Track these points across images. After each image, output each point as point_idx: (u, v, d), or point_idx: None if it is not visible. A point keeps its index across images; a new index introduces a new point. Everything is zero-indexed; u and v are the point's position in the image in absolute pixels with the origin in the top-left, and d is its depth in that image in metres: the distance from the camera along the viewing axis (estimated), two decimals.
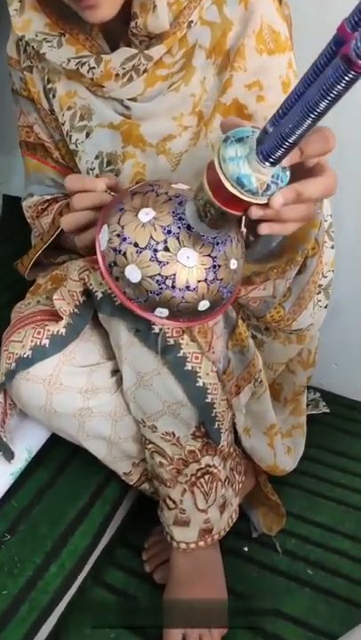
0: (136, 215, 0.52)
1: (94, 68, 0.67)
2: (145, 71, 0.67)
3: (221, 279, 0.53)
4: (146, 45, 0.66)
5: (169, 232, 0.51)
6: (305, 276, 0.70)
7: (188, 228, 0.51)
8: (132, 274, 0.52)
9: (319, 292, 0.74)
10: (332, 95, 0.35)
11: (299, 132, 0.39)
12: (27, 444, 0.78)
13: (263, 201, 0.46)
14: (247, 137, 0.44)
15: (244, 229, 0.53)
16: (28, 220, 0.85)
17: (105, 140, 0.72)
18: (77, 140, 0.74)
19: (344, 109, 0.41)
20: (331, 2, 0.90)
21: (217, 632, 0.77)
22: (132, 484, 0.80)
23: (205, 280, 0.52)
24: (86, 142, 0.73)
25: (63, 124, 0.75)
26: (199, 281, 0.52)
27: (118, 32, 0.67)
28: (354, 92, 0.37)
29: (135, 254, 0.51)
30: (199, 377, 0.67)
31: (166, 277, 0.51)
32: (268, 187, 0.44)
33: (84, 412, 0.71)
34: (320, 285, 0.74)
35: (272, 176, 0.44)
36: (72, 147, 0.75)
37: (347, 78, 0.34)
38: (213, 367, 0.68)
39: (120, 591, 0.84)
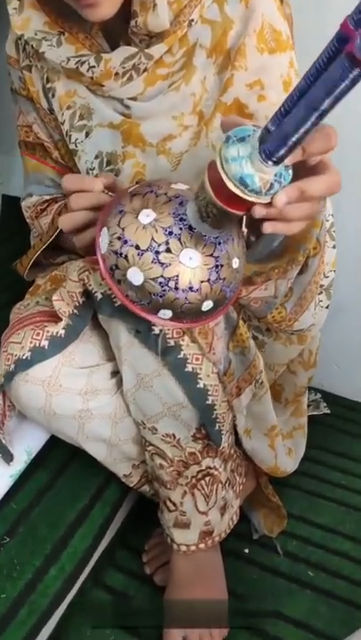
0: (136, 217, 0.51)
1: (94, 66, 0.66)
2: (145, 70, 0.67)
3: (224, 278, 0.53)
4: (146, 44, 0.66)
5: (170, 233, 0.50)
6: (307, 276, 0.69)
7: (190, 228, 0.50)
8: (135, 276, 0.51)
9: (321, 293, 0.74)
10: (336, 93, 0.35)
11: (302, 131, 0.39)
12: (26, 446, 0.78)
13: (267, 200, 0.45)
14: (248, 136, 0.43)
15: (245, 229, 0.53)
16: (28, 221, 0.84)
17: (105, 140, 0.72)
18: (77, 139, 0.74)
19: (344, 109, 0.40)
20: (332, 1, 0.90)
21: (217, 633, 0.77)
22: (132, 485, 0.80)
23: (208, 280, 0.52)
24: (86, 142, 0.73)
25: (63, 124, 0.74)
26: (202, 281, 0.51)
27: (118, 31, 0.67)
28: (354, 92, 0.36)
29: (137, 256, 0.51)
30: (200, 378, 0.66)
31: (169, 279, 0.51)
32: (271, 186, 0.44)
33: (83, 413, 0.71)
34: (321, 285, 0.73)
35: (275, 175, 0.44)
36: (72, 146, 0.75)
37: (351, 76, 0.34)
38: (214, 368, 0.67)
39: (120, 593, 0.83)
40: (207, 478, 0.73)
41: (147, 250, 0.50)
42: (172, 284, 0.51)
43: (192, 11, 0.66)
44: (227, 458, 0.75)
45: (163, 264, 0.50)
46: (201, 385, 0.66)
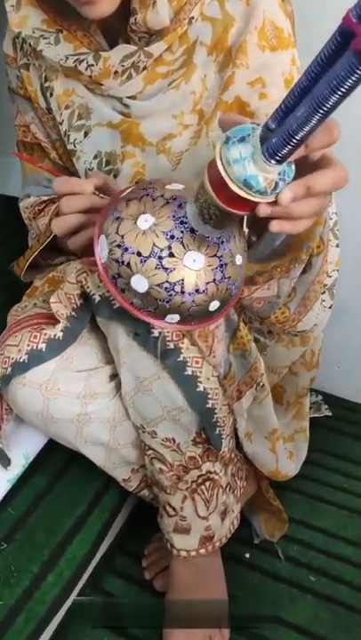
0: (135, 223, 0.50)
1: (93, 65, 0.66)
2: (144, 68, 0.67)
3: (229, 277, 0.52)
4: (145, 42, 0.66)
5: (172, 237, 0.49)
6: (310, 276, 0.69)
7: (192, 231, 0.49)
8: (139, 284, 0.51)
9: (324, 292, 0.73)
10: (342, 90, 0.34)
11: (307, 129, 0.38)
12: (24, 450, 0.77)
13: (271, 199, 0.44)
14: (248, 135, 0.42)
15: (246, 229, 0.52)
16: (26, 222, 0.84)
17: (104, 140, 0.72)
18: (76, 139, 0.73)
19: (344, 109, 0.39)
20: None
21: (218, 638, 0.76)
22: (131, 490, 0.79)
23: (214, 280, 0.51)
24: (85, 142, 0.73)
25: (61, 124, 0.74)
26: (208, 282, 0.51)
27: (117, 28, 0.66)
28: (355, 92, 0.35)
29: (139, 264, 0.50)
30: (200, 382, 0.65)
31: (175, 283, 0.50)
32: (276, 185, 0.43)
33: (81, 417, 0.70)
34: (325, 285, 0.72)
35: (279, 173, 0.43)
36: (70, 146, 0.74)
37: (358, 72, 0.33)
38: (214, 372, 0.66)
39: None
40: (207, 483, 0.72)
41: (149, 256, 0.49)
42: (177, 288, 0.50)
43: (192, 8, 0.65)
44: (227, 462, 0.74)
45: (167, 269, 0.49)
46: (201, 388, 0.66)
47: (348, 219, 0.85)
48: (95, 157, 0.73)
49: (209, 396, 0.66)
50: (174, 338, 0.64)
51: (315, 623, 0.79)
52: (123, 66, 0.65)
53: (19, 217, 0.85)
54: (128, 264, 0.50)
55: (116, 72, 0.66)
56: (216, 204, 0.45)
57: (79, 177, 0.75)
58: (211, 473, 0.72)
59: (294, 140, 0.39)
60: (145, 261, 0.50)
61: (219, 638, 0.76)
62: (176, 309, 0.52)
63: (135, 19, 0.63)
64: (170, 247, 0.49)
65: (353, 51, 0.32)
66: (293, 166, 0.44)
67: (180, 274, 0.50)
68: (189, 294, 0.50)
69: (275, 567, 0.87)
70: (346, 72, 0.33)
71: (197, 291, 0.51)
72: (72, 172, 0.78)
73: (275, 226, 0.47)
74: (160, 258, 0.49)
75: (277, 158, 0.41)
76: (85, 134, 0.72)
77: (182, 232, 0.49)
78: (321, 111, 0.36)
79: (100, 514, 0.81)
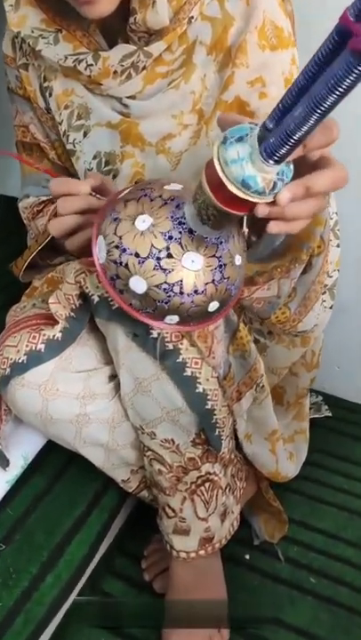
0: (133, 223, 0.50)
1: (92, 65, 0.66)
2: (144, 68, 0.66)
3: (228, 277, 0.52)
4: (145, 42, 0.65)
5: (170, 238, 0.49)
6: (310, 276, 0.68)
7: (190, 231, 0.49)
8: (137, 285, 0.50)
9: (324, 292, 0.73)
10: (340, 90, 0.34)
11: (305, 129, 0.38)
12: (22, 451, 0.77)
13: (270, 199, 0.44)
14: (246, 135, 0.42)
15: (246, 229, 0.51)
16: (25, 222, 0.83)
17: (103, 140, 0.71)
18: (75, 139, 0.73)
19: (344, 109, 0.39)
20: None
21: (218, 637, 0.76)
22: (130, 491, 0.79)
23: (213, 281, 0.51)
24: (84, 142, 0.73)
25: (60, 124, 0.74)
26: (207, 283, 0.51)
27: (116, 28, 0.66)
28: (354, 91, 0.35)
29: (138, 265, 0.50)
30: (199, 383, 0.65)
31: (173, 284, 0.50)
32: (274, 185, 0.43)
33: (81, 418, 0.69)
34: (325, 285, 0.72)
35: (277, 173, 0.43)
36: (69, 147, 0.74)
37: (356, 72, 0.32)
38: (214, 373, 0.66)
39: None
40: (207, 484, 0.72)
41: (147, 257, 0.49)
42: (176, 289, 0.50)
43: (192, 8, 0.65)
44: (227, 463, 0.74)
45: (165, 270, 0.49)
46: (200, 389, 0.65)
47: (348, 219, 0.85)
48: (94, 157, 0.72)
49: (208, 397, 0.66)
50: (173, 339, 0.63)
51: (315, 625, 0.79)
52: (122, 66, 0.65)
53: (18, 217, 0.85)
54: (126, 265, 0.50)
55: (115, 72, 0.65)
56: (214, 205, 0.45)
57: (78, 177, 0.75)
58: (210, 474, 0.72)
59: (292, 140, 0.39)
60: (143, 262, 0.49)
61: (218, 639, 0.76)
62: (175, 310, 0.51)
63: (135, 18, 0.63)
64: (168, 248, 0.49)
65: (350, 50, 0.32)
66: (292, 166, 0.44)
67: (179, 275, 0.49)
68: (188, 295, 0.50)
69: (275, 568, 0.87)
70: (343, 71, 0.33)
71: (196, 291, 0.50)
72: (71, 173, 0.78)
73: (273, 227, 0.47)
74: (158, 259, 0.49)
75: (275, 158, 0.41)
76: (85, 134, 0.72)
77: (180, 233, 0.49)
78: (319, 111, 0.36)
79: (100, 515, 0.80)
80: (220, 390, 0.68)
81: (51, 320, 0.68)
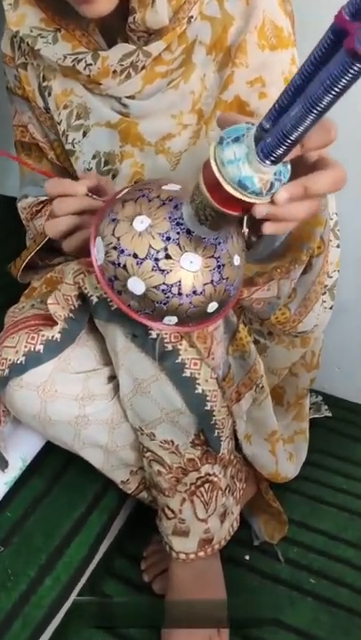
0: (131, 224, 0.50)
1: (91, 64, 0.65)
2: (143, 68, 0.66)
3: (227, 278, 0.52)
4: (144, 41, 0.65)
5: (168, 239, 0.49)
6: (310, 277, 0.68)
7: (188, 232, 0.49)
8: (136, 286, 0.50)
9: (324, 293, 0.72)
10: (336, 90, 0.33)
11: (301, 129, 0.37)
12: (21, 453, 0.77)
13: (267, 200, 0.44)
14: (243, 135, 0.42)
15: (246, 230, 0.51)
16: (23, 222, 0.83)
17: (102, 140, 0.71)
18: (74, 139, 0.73)
19: (344, 108, 0.39)
20: None
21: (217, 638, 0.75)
22: (129, 492, 0.78)
23: (212, 282, 0.50)
24: (83, 142, 0.72)
25: (59, 124, 0.73)
26: (205, 284, 0.50)
27: (116, 28, 0.66)
28: (354, 91, 0.35)
29: (136, 266, 0.49)
30: (198, 384, 0.65)
31: (171, 285, 0.49)
32: (271, 185, 0.42)
33: (80, 419, 0.69)
34: (325, 286, 0.72)
35: (274, 173, 0.42)
36: (68, 147, 0.74)
37: (352, 71, 0.32)
38: (213, 373, 0.66)
39: None
40: (206, 485, 0.72)
41: (145, 258, 0.49)
42: (175, 290, 0.49)
43: (191, 7, 0.65)
44: (226, 464, 0.74)
45: (163, 271, 0.49)
46: (199, 390, 0.65)
47: (348, 219, 0.84)
48: (94, 157, 0.72)
49: (207, 398, 0.66)
50: (172, 339, 0.63)
51: (315, 626, 0.79)
52: (121, 65, 0.65)
53: (18, 217, 0.84)
54: (124, 266, 0.50)
55: (114, 71, 0.65)
56: (211, 206, 0.45)
57: (77, 177, 0.75)
58: (210, 475, 0.71)
59: (289, 140, 0.38)
60: (141, 263, 0.49)
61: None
62: (174, 311, 0.51)
63: (134, 18, 0.62)
64: (166, 249, 0.49)
65: (346, 49, 0.31)
66: (289, 166, 0.44)
67: (177, 275, 0.49)
68: (187, 296, 0.50)
69: (275, 569, 0.86)
70: (339, 71, 0.32)
71: (195, 292, 0.50)
72: (70, 173, 0.78)
73: (268, 228, 0.46)
74: (156, 260, 0.49)
75: (272, 159, 0.40)
76: (84, 134, 0.72)
77: (178, 233, 0.49)
78: (315, 111, 0.35)
79: (99, 516, 0.80)
80: (220, 391, 0.67)
81: (49, 321, 0.68)
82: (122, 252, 0.50)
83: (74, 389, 0.68)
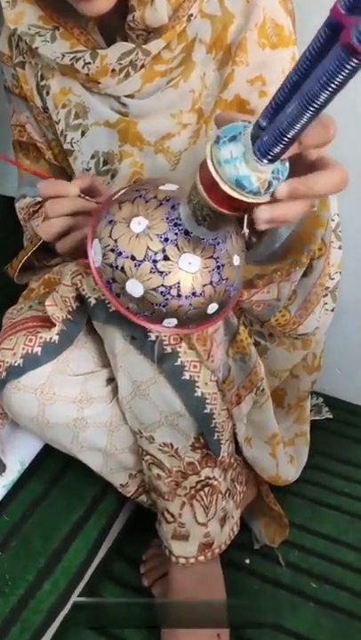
0: (128, 226, 0.49)
1: (90, 63, 0.65)
2: (142, 67, 0.66)
3: (227, 278, 0.51)
4: (143, 40, 0.65)
5: (166, 240, 0.48)
6: (311, 279, 0.67)
7: (186, 233, 0.48)
8: (134, 288, 0.49)
9: (326, 295, 0.72)
10: (332, 86, 0.32)
11: (298, 127, 0.36)
12: (19, 456, 0.76)
13: (266, 199, 0.43)
14: (239, 134, 0.41)
15: (246, 230, 0.50)
16: (21, 222, 0.83)
17: (101, 139, 0.71)
18: (73, 139, 0.72)
19: (344, 108, 0.38)
20: None
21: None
22: (129, 496, 0.78)
23: (211, 283, 0.50)
24: (82, 141, 0.72)
25: (58, 123, 0.73)
26: (205, 285, 0.50)
27: (115, 26, 0.65)
28: (354, 91, 0.34)
29: (134, 268, 0.49)
30: (197, 386, 0.64)
31: (170, 287, 0.49)
32: (269, 184, 0.41)
33: (78, 422, 0.68)
34: (327, 288, 0.71)
35: (272, 172, 0.41)
36: (67, 146, 0.73)
37: (348, 67, 0.31)
38: (213, 376, 0.65)
39: None
40: (206, 489, 0.71)
41: (143, 260, 0.48)
42: (173, 291, 0.49)
43: (191, 5, 0.64)
44: (226, 467, 0.73)
45: (162, 273, 0.48)
46: (199, 393, 0.64)
47: (349, 219, 0.84)
48: (92, 157, 0.72)
49: (207, 401, 0.65)
50: (172, 342, 0.62)
51: (316, 630, 0.78)
52: (120, 64, 0.64)
53: (17, 217, 0.84)
54: (122, 268, 0.49)
55: (113, 70, 0.65)
56: (209, 206, 0.44)
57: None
58: (210, 479, 0.71)
59: (286, 139, 0.37)
60: (139, 265, 0.48)
61: None
62: (173, 313, 0.50)
63: (133, 16, 0.62)
64: (164, 250, 0.48)
65: (342, 44, 0.30)
66: (287, 164, 0.43)
67: (176, 277, 0.48)
68: (186, 297, 0.49)
69: (275, 573, 0.86)
70: (335, 67, 0.31)
71: (194, 294, 0.49)
72: (68, 173, 0.77)
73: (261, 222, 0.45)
74: (154, 261, 0.48)
75: (269, 157, 0.39)
76: (82, 134, 0.71)
77: (176, 234, 0.48)
78: (312, 108, 0.34)
79: (98, 520, 0.79)
80: (220, 394, 0.67)
81: (47, 322, 0.67)
82: (119, 254, 0.49)
83: (72, 392, 0.68)
